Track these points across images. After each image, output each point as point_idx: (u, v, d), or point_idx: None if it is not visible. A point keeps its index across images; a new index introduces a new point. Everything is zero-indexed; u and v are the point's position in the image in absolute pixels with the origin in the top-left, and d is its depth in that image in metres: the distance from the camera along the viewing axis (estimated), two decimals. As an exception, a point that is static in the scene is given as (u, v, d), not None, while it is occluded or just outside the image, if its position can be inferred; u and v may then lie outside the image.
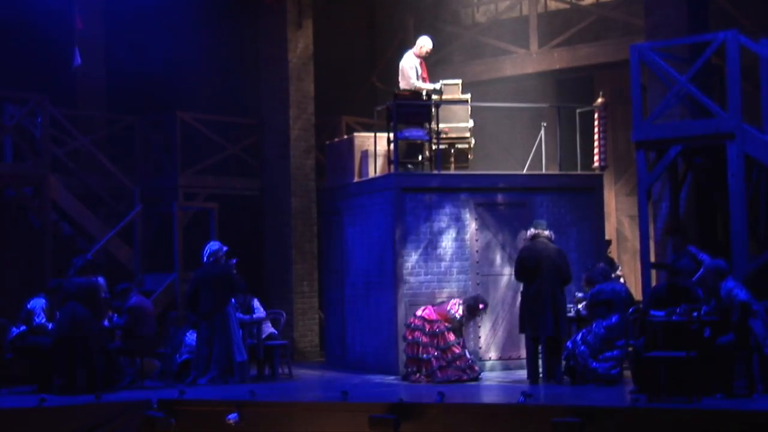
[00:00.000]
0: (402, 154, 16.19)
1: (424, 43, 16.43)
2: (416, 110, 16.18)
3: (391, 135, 15.96)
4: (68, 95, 18.66)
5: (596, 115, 16.32)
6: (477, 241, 15.84)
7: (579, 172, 16.51)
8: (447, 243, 15.71)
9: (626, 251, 18.05)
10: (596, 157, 16.30)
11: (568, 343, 13.77)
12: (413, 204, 15.81)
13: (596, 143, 16.29)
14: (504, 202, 16.03)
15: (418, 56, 16.43)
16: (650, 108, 14.23)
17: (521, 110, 18.07)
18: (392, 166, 15.94)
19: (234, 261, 15.07)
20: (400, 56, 16.88)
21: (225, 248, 14.99)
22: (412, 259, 15.48)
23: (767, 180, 13.92)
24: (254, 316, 15.32)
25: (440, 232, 15.73)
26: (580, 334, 13.72)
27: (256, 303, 15.53)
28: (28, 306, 14.40)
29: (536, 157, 16.74)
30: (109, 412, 13.06)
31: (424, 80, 16.44)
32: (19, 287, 16.77)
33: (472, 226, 15.88)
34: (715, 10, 16.44)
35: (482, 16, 20.38)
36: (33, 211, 16.98)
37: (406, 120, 16.13)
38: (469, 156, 16.63)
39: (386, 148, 16.24)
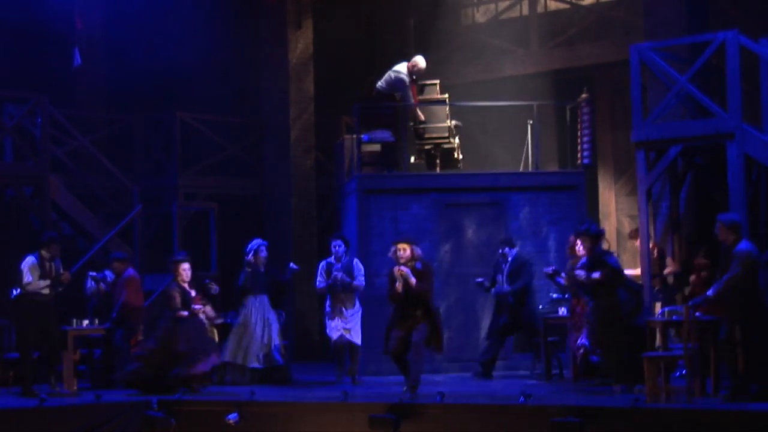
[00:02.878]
0: (378, 157, 16.20)
1: (418, 61, 16.35)
2: (383, 112, 16.23)
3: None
4: (68, 95, 18.66)
5: (580, 111, 16.22)
6: (446, 242, 15.82)
7: (558, 169, 16.34)
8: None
9: (626, 251, 18.02)
10: (579, 154, 16.16)
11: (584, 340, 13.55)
12: (377, 205, 15.85)
13: (580, 140, 16.17)
14: (476, 202, 15.97)
15: (410, 72, 16.31)
16: (650, 108, 14.22)
17: (522, 109, 18.04)
18: (361, 168, 16.03)
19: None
20: (399, 56, 16.88)
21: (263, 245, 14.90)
22: (377, 260, 15.41)
23: (767, 180, 13.90)
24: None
25: (407, 233, 15.72)
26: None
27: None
28: (20, 266, 14.18)
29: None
30: (109, 412, 13.04)
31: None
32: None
33: (441, 227, 15.85)
34: (715, 10, 16.42)
35: (482, 15, 20.38)
36: (33, 211, 16.98)
37: (374, 122, 16.15)
38: (457, 156, 16.58)
39: (374, 149, 16.23)
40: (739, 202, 13.23)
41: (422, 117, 16.31)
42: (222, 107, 19.63)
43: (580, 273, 12.69)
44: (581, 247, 13.13)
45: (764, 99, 13.59)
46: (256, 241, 14.94)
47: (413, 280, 12.70)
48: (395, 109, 16.15)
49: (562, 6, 19.40)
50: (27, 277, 13.92)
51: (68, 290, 16.32)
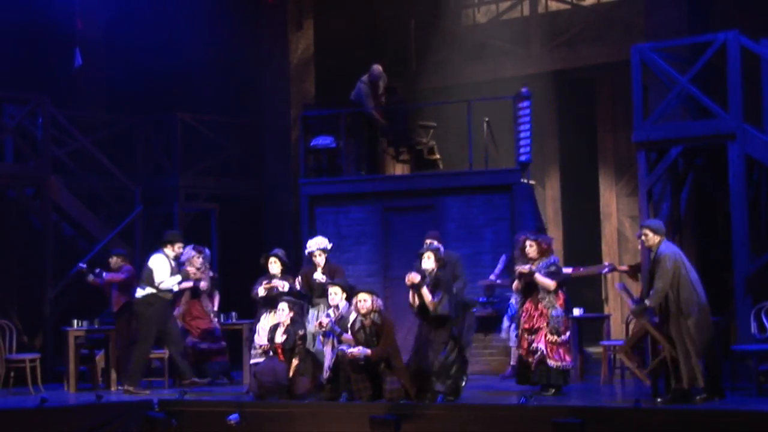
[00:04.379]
0: (321, 162, 16.58)
1: (372, 69, 16.70)
2: (327, 119, 16.65)
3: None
4: (69, 96, 18.66)
5: (517, 107, 16.07)
6: (385, 246, 15.85)
7: (490, 168, 16.24)
8: (356, 248, 15.73)
9: (627, 251, 18.02)
10: (516, 152, 16.00)
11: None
12: (322, 210, 16.11)
13: (517, 136, 16.02)
14: (412, 206, 15.99)
15: (369, 79, 16.57)
16: (651, 108, 14.22)
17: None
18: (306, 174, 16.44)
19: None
20: (400, 57, 16.93)
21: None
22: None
23: (768, 180, 13.92)
24: None
25: (349, 238, 15.74)
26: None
27: None
28: (149, 264, 14.30)
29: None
30: (110, 413, 13.06)
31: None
32: (20, 288, 16.77)
33: (380, 231, 15.94)
34: (716, 10, 16.42)
35: (483, 16, 20.37)
36: (34, 212, 16.98)
37: (321, 128, 16.59)
38: (434, 157, 16.64)
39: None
40: (740, 203, 13.23)
41: (383, 122, 16.49)
42: (223, 108, 19.63)
43: (568, 270, 12.89)
44: (532, 251, 12.97)
45: (765, 99, 13.59)
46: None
47: (368, 352, 12.36)
48: (339, 116, 16.50)
49: (563, 6, 19.40)
50: (161, 276, 14.06)
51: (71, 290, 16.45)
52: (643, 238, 11.81)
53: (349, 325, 12.75)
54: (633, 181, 17.10)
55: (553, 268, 12.90)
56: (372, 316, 12.52)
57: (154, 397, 13.49)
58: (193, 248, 15.27)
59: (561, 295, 12.94)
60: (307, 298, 13.71)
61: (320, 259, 13.79)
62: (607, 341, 14.27)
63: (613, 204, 18.49)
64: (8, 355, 14.81)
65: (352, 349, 12.40)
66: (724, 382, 11.93)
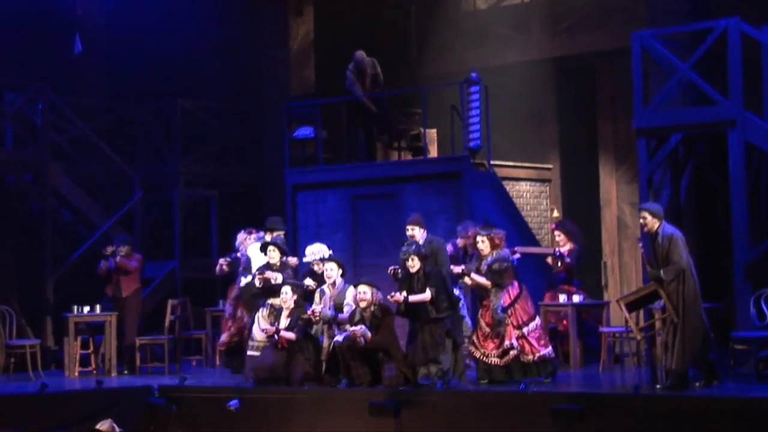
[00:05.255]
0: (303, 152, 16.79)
1: (354, 56, 16.72)
2: (307, 110, 16.88)
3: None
4: (69, 82, 18.63)
5: (465, 92, 15.99)
6: (355, 234, 15.93)
7: (441, 156, 16.23)
8: (332, 237, 15.87)
9: (627, 238, 18.00)
10: (465, 138, 15.94)
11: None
12: (304, 199, 16.39)
13: (466, 122, 15.93)
14: (376, 193, 16.07)
15: (355, 67, 16.66)
16: (652, 96, 14.21)
17: (525, 97, 18.06)
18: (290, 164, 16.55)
19: None
20: (400, 43, 16.93)
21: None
22: (300, 253, 15.39)
23: (768, 168, 13.92)
24: None
25: (326, 227, 15.85)
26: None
27: None
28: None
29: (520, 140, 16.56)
30: (110, 399, 13.09)
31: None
32: (19, 274, 16.79)
33: (350, 219, 16.10)
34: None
35: (483, 2, 20.30)
36: (33, 198, 16.98)
37: (311, 118, 16.82)
38: (419, 144, 16.62)
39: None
40: (740, 190, 13.22)
41: (373, 108, 16.50)
42: (223, 94, 19.60)
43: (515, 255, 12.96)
44: (485, 246, 12.77)
45: (766, 87, 13.57)
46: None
47: (369, 335, 12.40)
48: (320, 106, 16.75)
49: (563, -7, 19.34)
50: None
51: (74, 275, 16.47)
52: (641, 221, 11.83)
53: (345, 311, 12.86)
54: (633, 168, 17.09)
55: (496, 266, 12.65)
56: (372, 308, 12.54)
57: (154, 382, 13.52)
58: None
59: (511, 290, 12.73)
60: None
61: (318, 269, 13.70)
62: (607, 328, 14.29)
63: (613, 191, 18.47)
64: (8, 341, 14.85)
65: (354, 327, 12.41)
66: (724, 368, 11.96)
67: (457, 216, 15.26)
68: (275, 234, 14.21)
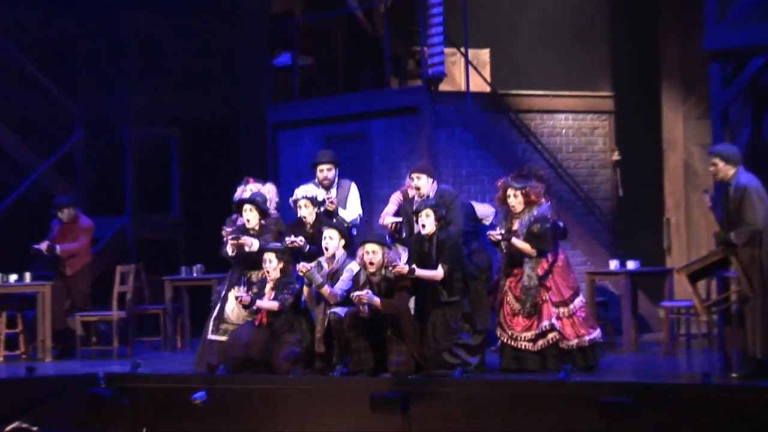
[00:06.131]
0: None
1: None
2: (292, 31, 17.21)
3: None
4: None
5: (427, 5, 16.00)
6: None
7: (398, 85, 16.39)
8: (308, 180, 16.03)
9: (695, 188, 17.98)
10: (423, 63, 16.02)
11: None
12: (284, 142, 16.80)
13: (425, 43, 16.00)
14: (346, 134, 16.28)
15: None
16: (728, 9, 14.17)
17: (568, 10, 18.00)
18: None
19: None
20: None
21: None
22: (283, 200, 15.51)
23: None
24: None
25: (304, 175, 15.82)
26: None
27: None
28: None
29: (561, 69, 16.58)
30: (44, 389, 13.14)
31: None
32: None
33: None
34: None
35: None
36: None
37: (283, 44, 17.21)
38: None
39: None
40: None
41: (368, 27, 16.56)
42: (187, 6, 19.50)
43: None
44: (517, 202, 12.72)
45: None
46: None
47: (377, 301, 12.32)
48: (298, 26, 17.05)
49: None
50: None
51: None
52: (711, 168, 11.76)
53: (343, 278, 12.88)
54: (704, 100, 17.10)
55: (536, 228, 12.56)
56: (383, 271, 12.57)
57: (99, 369, 13.58)
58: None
59: (550, 258, 12.70)
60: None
61: (305, 212, 13.69)
62: (669, 302, 14.34)
63: (678, 129, 18.47)
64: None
65: (359, 293, 12.35)
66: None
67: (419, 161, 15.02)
68: (257, 189, 14.15)
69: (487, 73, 16.96)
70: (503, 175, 14.36)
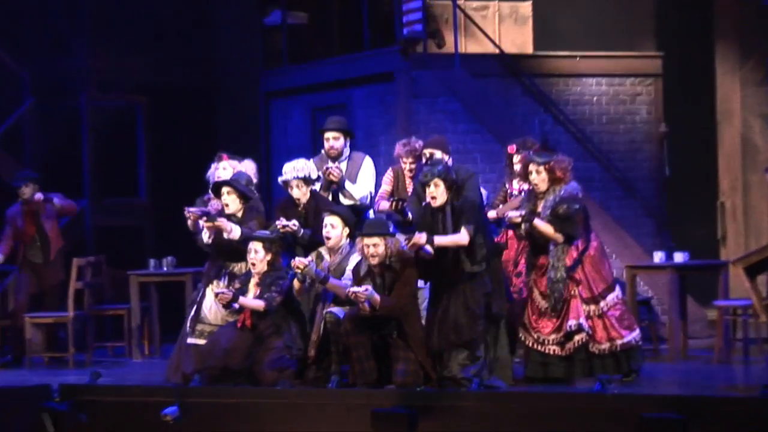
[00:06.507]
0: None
1: None
2: None
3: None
4: None
5: None
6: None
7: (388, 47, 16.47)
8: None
9: (755, 167, 18.02)
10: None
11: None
12: (276, 114, 17.12)
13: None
14: (330, 104, 16.52)
15: None
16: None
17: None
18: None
19: None
20: None
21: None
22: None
23: None
24: None
25: (294, 151, 15.98)
26: None
27: None
28: None
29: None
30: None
31: None
32: None
33: (309, 142, 16.67)
34: None
35: None
36: None
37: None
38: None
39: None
40: None
41: None
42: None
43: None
44: (540, 179, 12.61)
45: None
46: None
47: (377, 298, 12.33)
48: None
49: None
50: None
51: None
52: None
53: (348, 269, 12.90)
54: (764, 64, 17.14)
55: (562, 209, 12.44)
56: (387, 261, 12.56)
57: (53, 380, 13.60)
58: None
59: (580, 245, 12.65)
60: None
61: (298, 193, 13.68)
62: (724, 301, 14.33)
63: (735, 97, 18.50)
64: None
65: (354, 288, 12.36)
66: None
67: (397, 138, 14.95)
68: (232, 167, 14.16)
69: (528, 31, 16.93)
70: (500, 152, 14.40)
